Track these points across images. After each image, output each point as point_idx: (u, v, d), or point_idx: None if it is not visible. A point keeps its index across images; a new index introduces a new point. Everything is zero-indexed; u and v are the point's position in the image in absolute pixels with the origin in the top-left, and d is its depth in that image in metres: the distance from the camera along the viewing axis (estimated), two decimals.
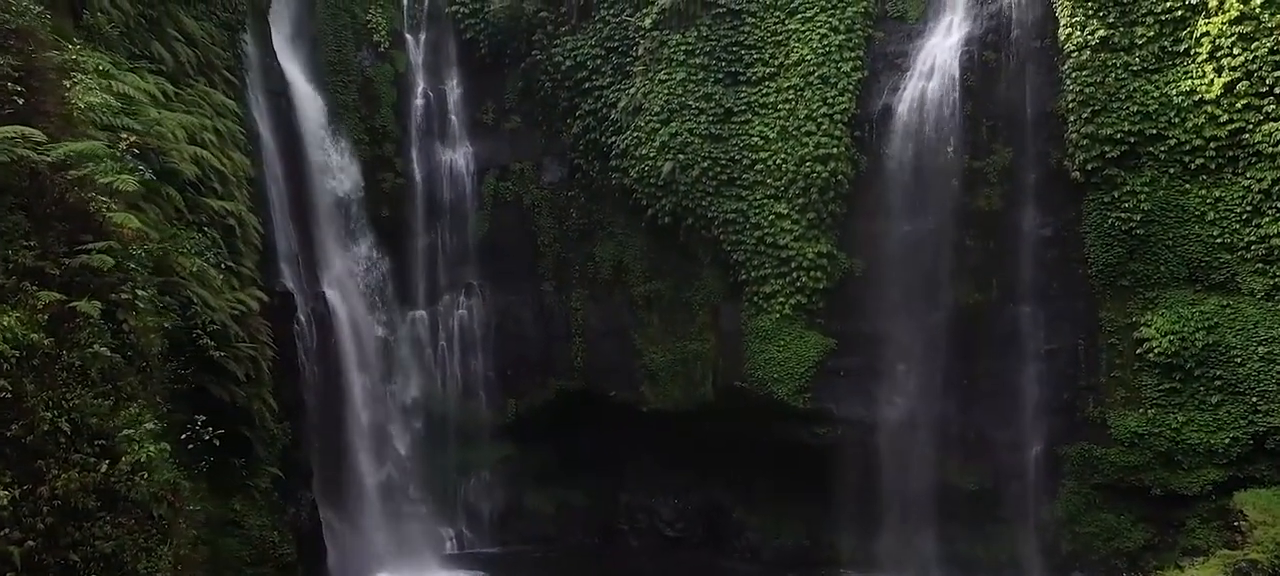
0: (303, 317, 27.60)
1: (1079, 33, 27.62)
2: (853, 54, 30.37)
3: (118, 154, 12.67)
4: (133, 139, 13.49)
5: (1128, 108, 27.08)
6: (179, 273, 18.09)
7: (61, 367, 10.19)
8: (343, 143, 31.77)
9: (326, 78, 31.96)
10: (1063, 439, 28.66)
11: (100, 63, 14.60)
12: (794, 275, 30.32)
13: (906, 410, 30.08)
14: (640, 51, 32.44)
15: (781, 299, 30.50)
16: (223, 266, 19.90)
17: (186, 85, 22.66)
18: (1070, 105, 27.76)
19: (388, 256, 33.09)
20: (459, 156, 35.17)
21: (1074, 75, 27.63)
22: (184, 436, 13.40)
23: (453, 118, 35.42)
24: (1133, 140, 27.07)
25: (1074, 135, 27.74)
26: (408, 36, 35.15)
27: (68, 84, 12.93)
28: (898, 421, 30.14)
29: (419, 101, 34.98)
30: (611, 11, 33.05)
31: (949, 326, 29.53)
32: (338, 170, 31.28)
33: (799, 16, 30.99)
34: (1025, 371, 28.95)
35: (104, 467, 10.09)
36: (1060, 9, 28.06)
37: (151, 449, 10.45)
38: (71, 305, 10.42)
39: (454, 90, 35.60)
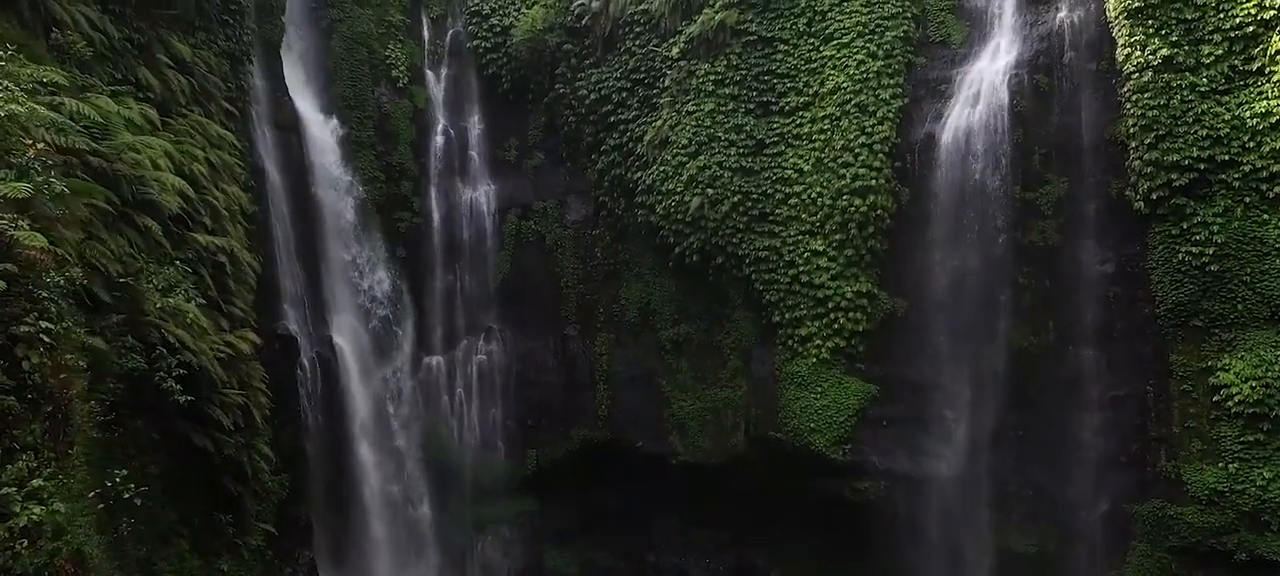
0: (306, 362, 26.12)
1: (1139, 53, 25.50)
2: (892, 80, 28.59)
3: (17, 160, 11.01)
4: (41, 145, 11.92)
5: (1196, 132, 24.82)
6: (148, 310, 16.61)
7: None
8: (356, 181, 30.45)
9: (341, 113, 30.78)
10: (1132, 496, 26.08)
11: (46, 75, 13.17)
12: (831, 316, 28.40)
13: (956, 464, 27.85)
14: (667, 82, 30.95)
15: (818, 342, 28.52)
16: (197, 303, 18.33)
17: (179, 114, 21.47)
18: (1131, 130, 25.59)
19: (402, 299, 31.58)
20: (479, 195, 33.80)
21: (1135, 98, 25.50)
22: (90, 496, 11.56)
23: (473, 155, 34.14)
24: (1202, 167, 24.76)
25: (1136, 163, 25.52)
26: (428, 72, 34.03)
27: None
28: (947, 476, 27.92)
29: (439, 138, 33.73)
30: (637, 42, 31.63)
31: (1002, 372, 27.40)
32: (350, 209, 29.91)
33: (835, 43, 29.31)
34: (1088, 421, 26.50)
35: None
36: (1118, 28, 25.99)
37: (38, 511, 8.68)
38: None
39: (475, 127, 34.36)
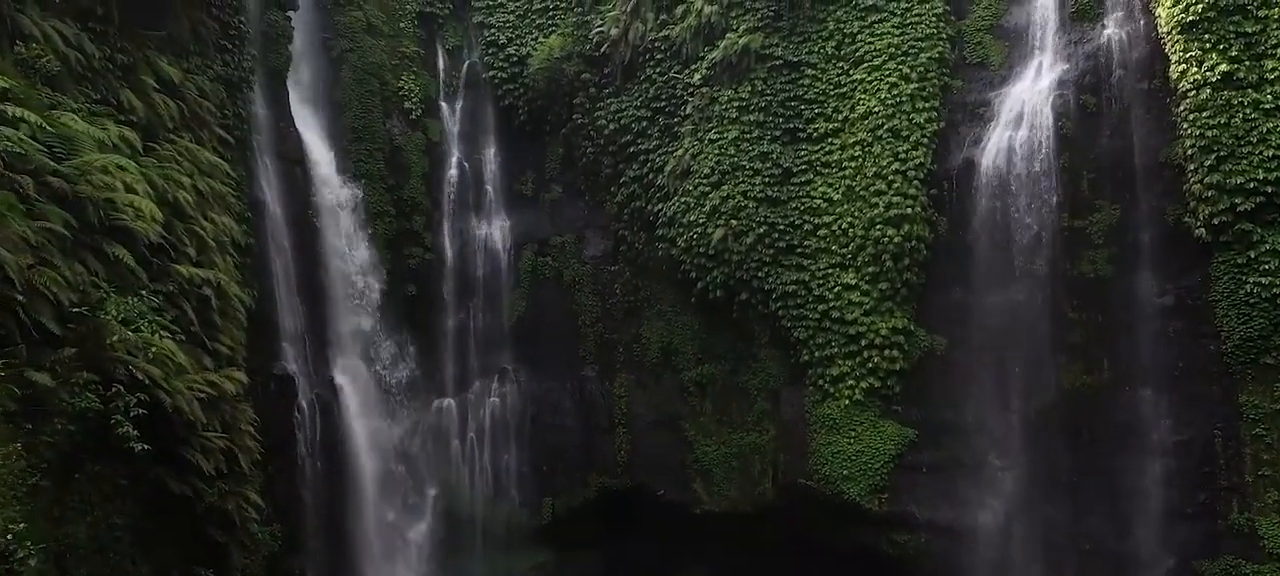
0: (305, 404, 24.68)
1: (1196, 70, 23.72)
2: (927, 104, 27.15)
3: None
4: None
5: (1261, 153, 22.93)
6: (114, 345, 15.20)
7: None
8: (365, 215, 29.16)
9: (349, 146, 29.60)
10: (1201, 552, 23.76)
11: None
12: (865, 354, 26.70)
13: (1004, 514, 25.89)
14: (689, 110, 29.66)
15: (851, 382, 26.77)
16: (177, 338, 16.96)
17: (166, 140, 20.27)
18: (1189, 152, 23.78)
19: (412, 339, 30.10)
20: (495, 230, 32.47)
21: (1192, 117, 23.69)
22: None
23: (489, 189, 32.86)
24: (1270, 190, 22.84)
25: (1196, 187, 23.63)
26: (442, 104, 32.89)
27: None
28: (994, 528, 25.94)
29: (453, 172, 32.50)
30: (658, 70, 30.38)
31: (1052, 414, 25.46)
32: (357, 244, 28.63)
33: (865, 66, 27.90)
34: (1149, 468, 24.32)
35: None
36: (1170, 45, 24.27)
37: None
38: None
39: (491, 159, 33.13)
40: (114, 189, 16.26)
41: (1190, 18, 23.65)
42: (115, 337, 14.43)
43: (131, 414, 14.22)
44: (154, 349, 15.08)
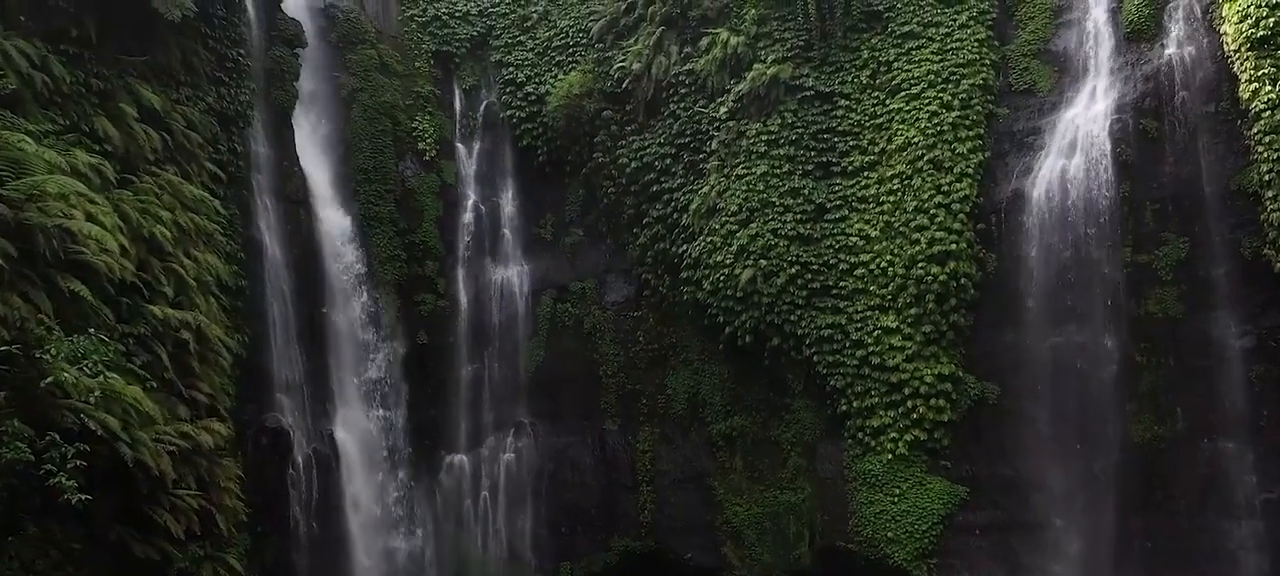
0: (301, 461, 22.93)
1: (1269, 88, 21.75)
2: (971, 132, 25.44)
3: None
4: None
5: None
6: (69, 391, 13.54)
7: None
8: (373, 260, 27.66)
9: (359, 187, 28.23)
10: None
11: None
12: (908, 404, 24.63)
13: None
14: (714, 145, 27.99)
15: (894, 434, 24.66)
16: (142, 386, 15.31)
17: (146, 172, 18.89)
18: (1265, 178, 21.68)
19: (422, 390, 28.32)
20: (511, 275, 30.82)
21: (1268, 141, 21.66)
22: None
23: (506, 232, 31.30)
24: None
25: (1274, 216, 21.50)
26: (459, 145, 31.53)
27: None
28: None
29: (468, 215, 31.00)
30: (682, 105, 28.86)
31: (1120, 468, 23.08)
32: (364, 289, 27.08)
33: (903, 94, 26.25)
34: (1234, 531, 21.77)
35: None
36: (1239, 63, 22.30)
37: None
38: None
39: (508, 202, 31.60)
40: (72, 218, 14.76)
41: (1261, 33, 21.72)
42: (51, 380, 12.74)
43: (69, 464, 12.44)
44: (97, 392, 13.34)
